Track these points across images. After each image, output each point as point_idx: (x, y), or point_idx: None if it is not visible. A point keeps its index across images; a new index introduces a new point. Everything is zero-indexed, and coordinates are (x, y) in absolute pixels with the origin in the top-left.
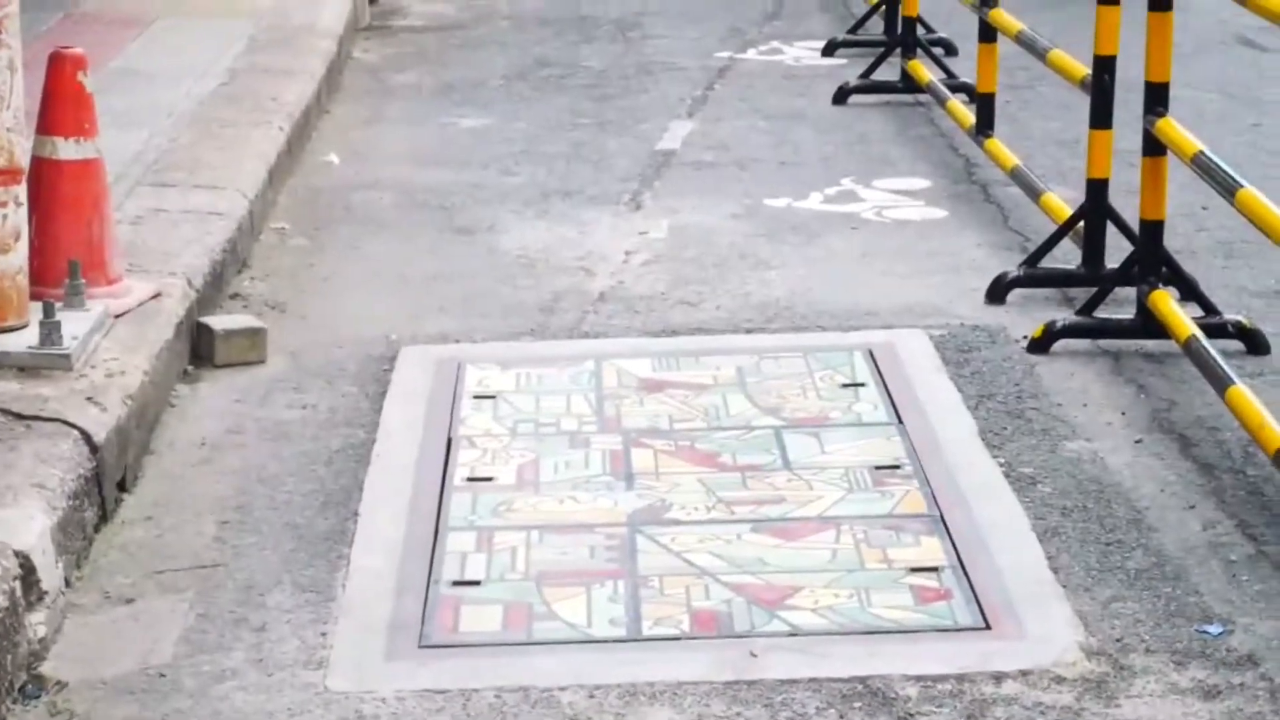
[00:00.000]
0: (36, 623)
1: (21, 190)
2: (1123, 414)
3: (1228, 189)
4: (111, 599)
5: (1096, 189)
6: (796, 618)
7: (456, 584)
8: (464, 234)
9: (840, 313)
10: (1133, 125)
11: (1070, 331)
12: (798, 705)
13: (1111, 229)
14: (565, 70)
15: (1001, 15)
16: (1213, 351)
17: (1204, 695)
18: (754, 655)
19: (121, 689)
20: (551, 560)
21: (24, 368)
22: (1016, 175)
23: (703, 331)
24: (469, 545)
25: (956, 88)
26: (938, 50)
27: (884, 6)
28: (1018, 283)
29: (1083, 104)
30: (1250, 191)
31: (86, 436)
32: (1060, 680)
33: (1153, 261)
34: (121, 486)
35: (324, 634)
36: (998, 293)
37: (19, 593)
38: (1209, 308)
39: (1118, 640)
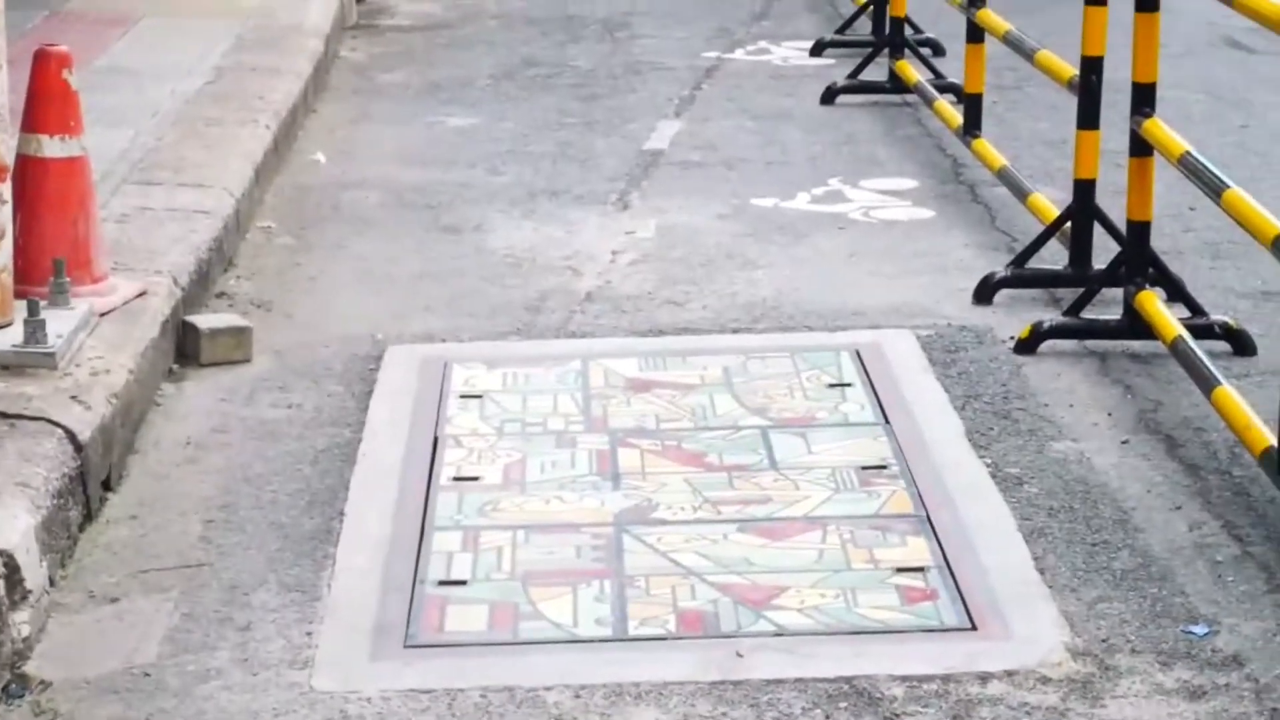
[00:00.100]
0: (20, 622)
1: (6, 188)
2: (1109, 414)
3: (1214, 190)
4: (96, 598)
5: (1084, 189)
6: (782, 618)
7: (442, 584)
8: (451, 233)
9: (827, 313)
10: (1120, 126)
11: (1057, 332)
12: (783, 705)
13: (1099, 229)
14: (553, 70)
15: (989, 16)
16: (1199, 352)
17: (1189, 696)
18: (740, 655)
19: (106, 689)
20: (538, 560)
21: (8, 366)
22: (1004, 176)
23: (690, 331)
24: (455, 545)
25: (944, 88)
26: (925, 50)
27: (872, 7)
28: (1005, 283)
29: (1070, 105)
30: (1237, 192)
31: (71, 435)
32: (1046, 681)
33: (1140, 262)
34: (106, 485)
35: (309, 633)
36: (985, 293)
37: (2, 592)
38: (1196, 308)
39: (1103, 641)
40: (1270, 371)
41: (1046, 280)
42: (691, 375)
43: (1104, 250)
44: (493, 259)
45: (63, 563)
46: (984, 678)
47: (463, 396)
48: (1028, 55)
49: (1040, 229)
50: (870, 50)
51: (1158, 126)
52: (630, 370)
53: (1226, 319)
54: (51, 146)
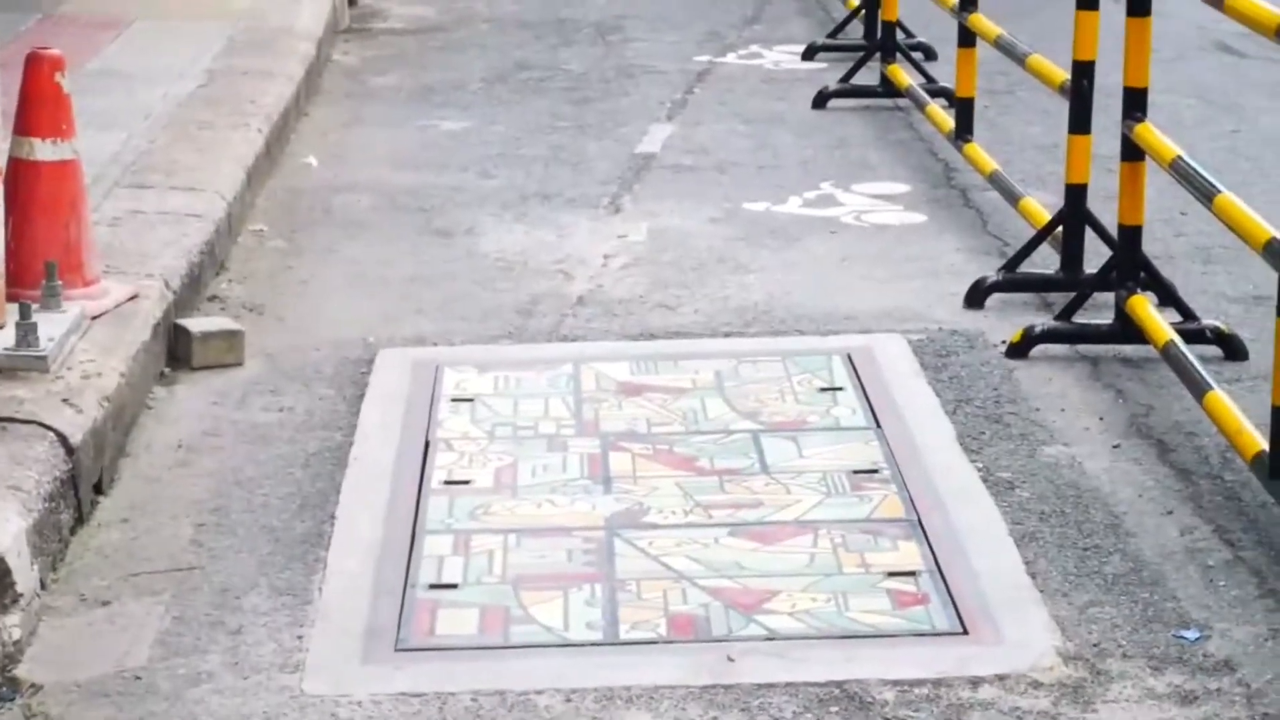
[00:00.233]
0: (11, 625)
1: None
2: (1101, 419)
3: (1206, 194)
4: (87, 601)
5: (1075, 194)
6: (774, 622)
7: (433, 587)
8: (442, 237)
9: (819, 317)
10: (1112, 130)
11: (1049, 336)
12: (775, 709)
13: (1090, 234)
14: (545, 73)
15: (981, 20)
16: (1191, 357)
17: (1181, 700)
18: (731, 659)
19: (97, 692)
20: (529, 564)
21: (0, 369)
22: (995, 180)
23: (681, 335)
24: (446, 548)
25: (936, 92)
26: (917, 55)
27: (864, 11)
28: (996, 287)
29: (1062, 109)
30: (1228, 197)
31: (62, 438)
32: (1037, 685)
33: (1131, 267)
34: (98, 489)
35: (300, 637)
36: (976, 297)
37: None
38: (1187, 313)
39: (1095, 645)
40: (1261, 376)
41: (1038, 285)
42: (683, 379)
43: (1095, 255)
44: (484, 262)
45: (54, 566)
46: (975, 682)
47: (454, 400)
48: (1019, 60)
49: (1032, 233)
50: (862, 54)
51: (1149, 131)
52: (622, 374)
53: (1218, 323)
54: (43, 150)
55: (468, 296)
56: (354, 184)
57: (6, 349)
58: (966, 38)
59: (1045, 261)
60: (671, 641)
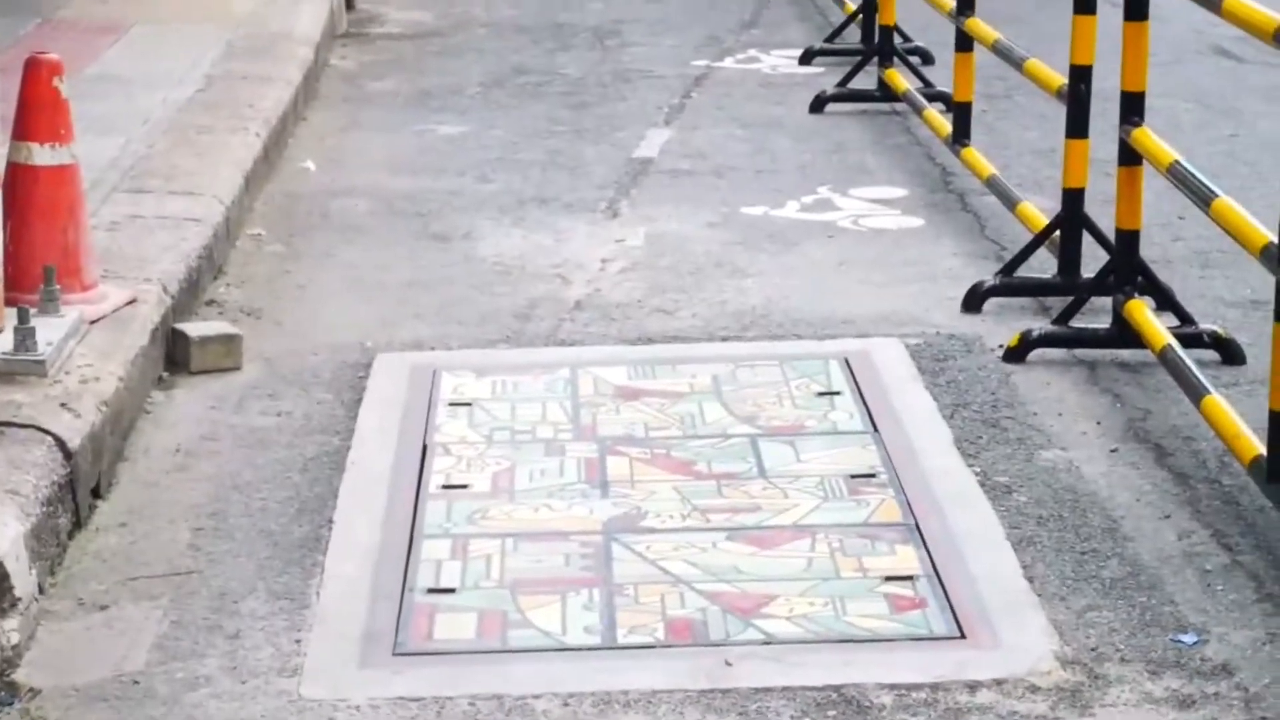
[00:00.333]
0: (9, 629)
1: None
2: (1098, 423)
3: (1203, 199)
4: (85, 606)
5: (1072, 198)
6: (771, 626)
7: (431, 591)
8: (440, 241)
9: (816, 321)
10: (1109, 135)
11: (1046, 341)
12: (772, 714)
13: (1088, 238)
14: (542, 78)
15: (978, 24)
16: (1188, 361)
17: (1178, 705)
18: (729, 664)
19: (95, 696)
20: (526, 568)
21: None
22: (993, 184)
23: (679, 339)
24: (444, 553)
25: (933, 96)
26: (915, 59)
27: (861, 15)
28: (994, 292)
29: (1059, 113)
30: (1226, 201)
31: (60, 443)
32: (1035, 689)
33: (1128, 271)
34: (96, 493)
35: (298, 641)
36: (974, 302)
37: None
38: (1185, 317)
39: (1092, 649)
40: (1259, 380)
41: (1035, 289)
42: (680, 383)
43: (1093, 259)
44: (482, 267)
45: (52, 570)
46: (973, 686)
47: (452, 404)
48: (1017, 64)
49: (1029, 238)
50: (859, 59)
51: (1146, 135)
52: (619, 378)
53: (1215, 328)
54: (42, 154)
55: (465, 301)
56: (352, 189)
57: (4, 353)
58: (964, 42)
59: (1043, 266)
60: (669, 646)
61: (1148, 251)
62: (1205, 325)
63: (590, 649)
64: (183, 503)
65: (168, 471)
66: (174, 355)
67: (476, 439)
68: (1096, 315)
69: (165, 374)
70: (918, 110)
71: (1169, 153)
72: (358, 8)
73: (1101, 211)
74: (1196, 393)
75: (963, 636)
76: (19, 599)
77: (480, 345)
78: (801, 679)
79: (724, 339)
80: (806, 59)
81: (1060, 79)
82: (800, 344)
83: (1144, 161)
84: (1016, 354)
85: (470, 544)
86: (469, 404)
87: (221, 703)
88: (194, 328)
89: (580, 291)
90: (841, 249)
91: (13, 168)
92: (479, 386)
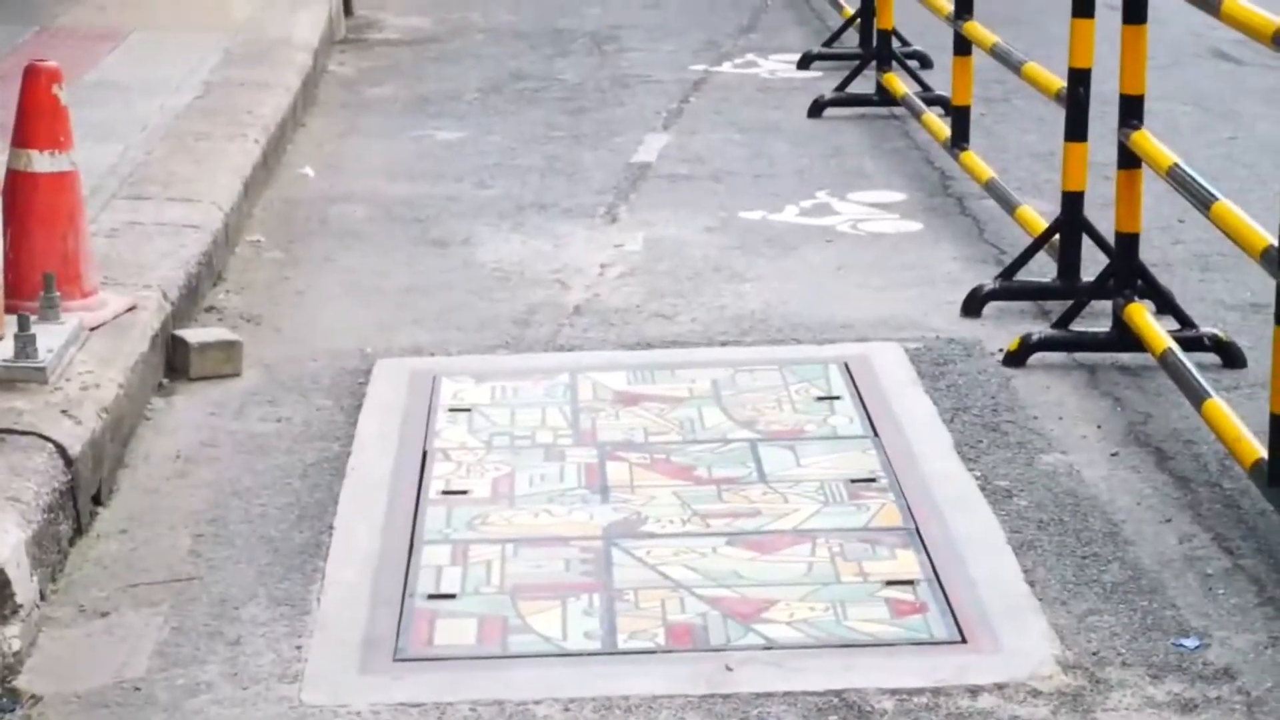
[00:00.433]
0: (11, 636)
1: None
2: (1099, 427)
3: (1203, 202)
4: (86, 612)
5: (1072, 202)
6: (772, 631)
7: (431, 597)
8: (439, 247)
9: (815, 325)
10: (1108, 138)
11: (1046, 344)
12: (773, 719)
13: (1087, 242)
14: (540, 83)
15: (976, 28)
16: (1189, 364)
17: (1180, 709)
18: (729, 669)
19: (96, 703)
20: (526, 573)
21: None
22: (992, 188)
23: (678, 344)
24: (444, 558)
25: (932, 100)
26: (913, 63)
27: (859, 19)
28: (993, 296)
29: (1058, 117)
30: (1225, 204)
31: (61, 449)
32: (1036, 694)
33: (1128, 274)
34: (96, 500)
35: (299, 647)
36: (973, 306)
37: None
38: (1185, 321)
39: (1094, 653)
40: (1259, 383)
41: (1035, 293)
42: (680, 388)
43: (1093, 262)
44: (481, 272)
45: (53, 577)
46: (974, 691)
47: (451, 410)
48: (1015, 67)
49: (1028, 241)
50: (858, 63)
51: (1146, 138)
52: (618, 383)
53: (1216, 331)
54: (41, 161)
55: (464, 306)
56: (350, 194)
57: (5, 360)
58: (962, 46)
59: (1042, 270)
60: (669, 651)
61: (1147, 255)
62: (1206, 328)
63: (591, 654)
64: (183, 509)
65: (168, 478)
66: (174, 362)
67: (476, 444)
68: (1096, 319)
69: (165, 380)
70: (916, 114)
71: (1168, 156)
72: (356, 14)
73: (1101, 215)
74: (1197, 396)
75: (964, 641)
76: (20, 606)
77: (479, 351)
78: (802, 684)
79: (723, 344)
80: (804, 63)
81: (1059, 82)
82: (799, 348)
83: (1143, 164)
84: (1016, 358)
85: (470, 549)
86: (469, 409)
87: (222, 709)
88: (193, 334)
89: (579, 297)
90: (840, 253)
91: (12, 175)
92: (478, 392)
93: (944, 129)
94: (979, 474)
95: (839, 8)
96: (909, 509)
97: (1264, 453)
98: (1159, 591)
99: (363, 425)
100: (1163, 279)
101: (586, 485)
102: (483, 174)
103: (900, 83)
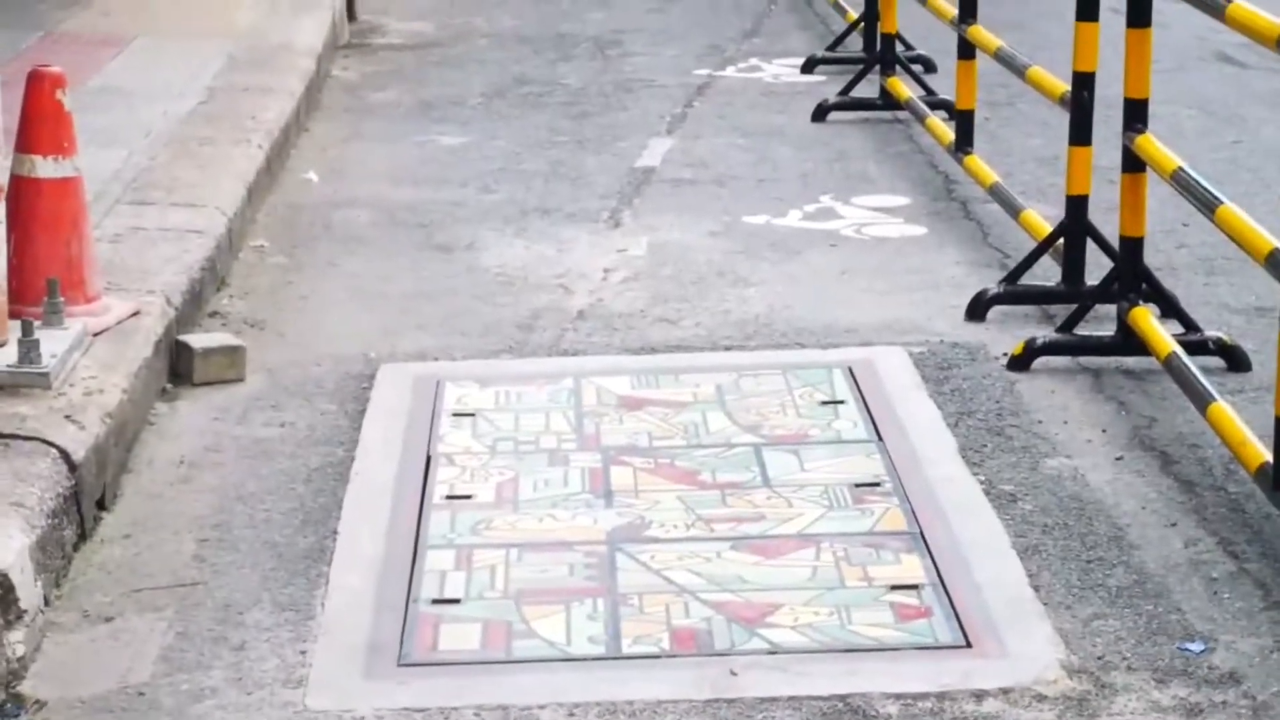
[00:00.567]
0: (15, 641)
1: (0, 208)
2: (1103, 431)
3: (1207, 206)
4: (90, 618)
5: (1076, 206)
6: (776, 635)
7: (436, 602)
8: (443, 252)
9: (819, 330)
10: (1112, 142)
11: (1050, 349)
12: None
13: (1091, 246)
14: (544, 88)
15: (980, 32)
16: (1193, 368)
17: (1186, 713)
18: (734, 673)
19: (100, 708)
20: (531, 578)
21: (2, 386)
22: (996, 192)
23: (682, 349)
24: (448, 563)
25: (936, 104)
26: (917, 67)
27: (863, 24)
28: (997, 300)
29: (1062, 121)
30: (1230, 208)
31: (65, 455)
32: (1041, 698)
33: (1133, 278)
34: (100, 505)
35: (303, 652)
36: (977, 310)
37: None
38: (1189, 324)
39: (1099, 658)
40: (1264, 387)
41: (1039, 297)
42: (684, 393)
43: (1097, 266)
44: (485, 277)
45: (57, 582)
46: (979, 695)
47: (455, 415)
48: (1019, 71)
49: (1033, 245)
50: (861, 67)
51: (1150, 142)
52: (622, 388)
53: (1220, 335)
54: (45, 167)
55: (468, 311)
56: (354, 199)
57: (9, 366)
58: (966, 50)
59: (1046, 274)
60: (674, 655)
61: (1152, 259)
62: (1210, 332)
63: (595, 659)
64: (187, 514)
65: (172, 483)
66: (177, 367)
67: (480, 449)
68: (1101, 323)
69: (169, 386)
70: (920, 118)
71: (1172, 159)
72: (359, 18)
73: (1105, 219)
74: (1202, 400)
75: (968, 645)
76: (25, 611)
77: (483, 355)
78: (807, 688)
79: (727, 348)
80: (808, 67)
81: (1063, 86)
82: (803, 353)
83: (1147, 168)
84: (1021, 362)
85: (474, 554)
86: (472, 414)
87: (227, 714)
88: (197, 339)
89: (583, 301)
90: (844, 258)
91: (16, 180)
92: (482, 397)
93: (948, 133)
94: (983, 478)
95: (843, 12)
96: (913, 513)
97: (1269, 456)
98: (1164, 596)
99: (367, 430)
100: (1167, 283)
101: (590, 490)
102: (486, 179)
103: (904, 87)
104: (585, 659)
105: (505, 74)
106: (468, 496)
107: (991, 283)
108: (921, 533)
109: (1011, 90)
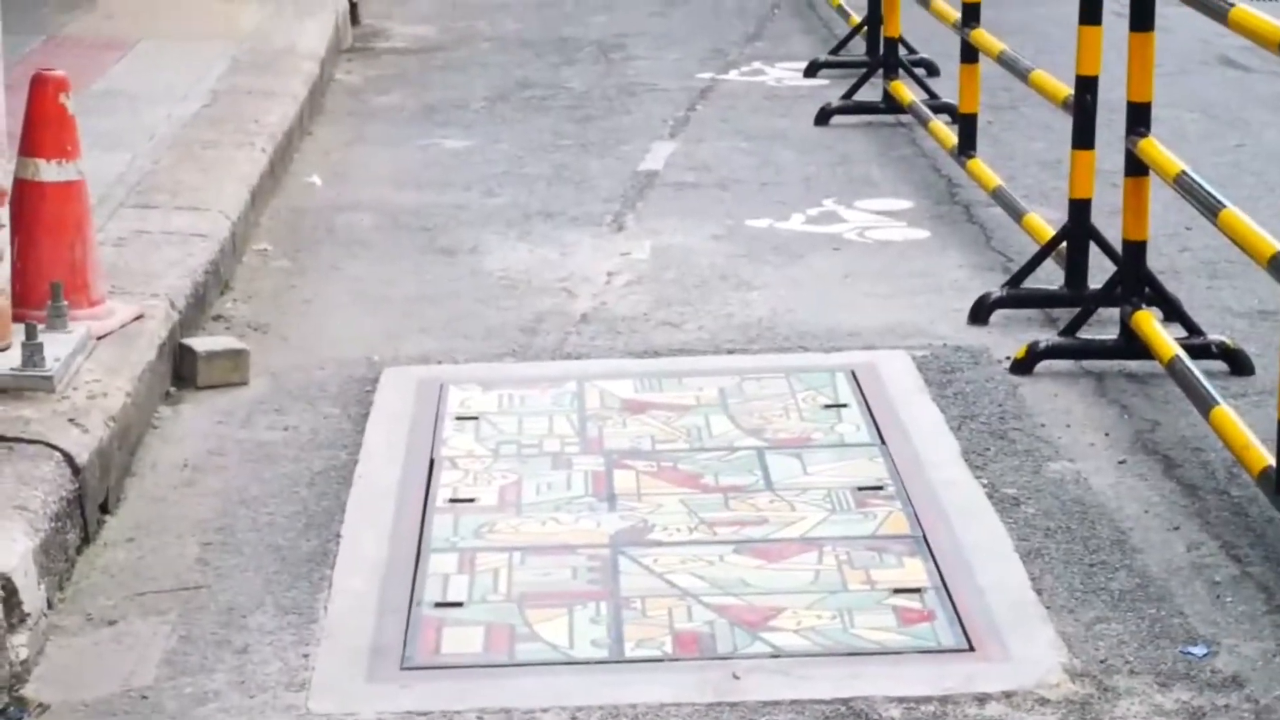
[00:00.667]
0: (18, 645)
1: (4, 212)
2: (1106, 435)
3: (1210, 209)
4: (94, 621)
5: (1079, 209)
6: (779, 639)
7: (439, 605)
8: (446, 255)
9: (822, 333)
10: (1115, 145)
11: (1053, 352)
12: None
13: (1094, 249)
14: (547, 92)
15: (983, 36)
16: (1196, 372)
17: (1189, 717)
18: (736, 677)
19: (103, 711)
20: (534, 581)
21: (6, 389)
22: (999, 196)
23: (685, 352)
24: (451, 567)
25: (939, 108)
26: (920, 71)
27: (866, 27)
28: (1000, 303)
29: (1065, 124)
30: (1233, 212)
31: (69, 458)
32: (1044, 702)
33: (1136, 282)
34: (104, 508)
35: (306, 655)
36: (980, 313)
37: (0, 615)
38: (1192, 328)
39: (1102, 662)
40: (1268, 391)
41: (1042, 300)
42: (687, 396)
43: (1100, 270)
44: (488, 281)
45: (61, 585)
46: (982, 699)
47: (458, 418)
48: (1022, 75)
49: (1036, 249)
50: (864, 71)
51: (1153, 146)
52: (626, 391)
53: (1223, 338)
54: (48, 171)
55: (471, 315)
56: (357, 203)
57: (13, 369)
58: (969, 53)
59: (1049, 277)
60: (677, 659)
61: (1155, 262)
62: (1213, 336)
63: (598, 662)
64: (190, 518)
65: (175, 487)
66: (181, 370)
67: (483, 453)
68: (1104, 326)
69: (172, 389)
70: (923, 122)
71: (1176, 163)
72: (362, 22)
73: (1108, 222)
74: (1205, 404)
75: (971, 649)
76: (28, 614)
77: (487, 359)
78: (809, 692)
79: (730, 352)
80: (811, 71)
81: (1066, 90)
82: (806, 356)
83: (1150, 172)
84: (1024, 365)
85: (477, 558)
86: (476, 418)
87: (230, 717)
88: (201, 343)
89: (586, 305)
90: (847, 261)
91: (20, 184)
92: (486, 400)
93: (951, 137)
94: (986, 482)
95: (846, 15)
96: (916, 517)
97: (1272, 460)
98: (1167, 599)
99: (370, 433)
100: (1170, 286)
101: (594, 493)
102: (490, 182)
103: (907, 90)
104: (588, 662)
105: (508, 78)
106: (471, 500)
107: (994, 286)
108: (924, 536)
109: (1014, 94)
